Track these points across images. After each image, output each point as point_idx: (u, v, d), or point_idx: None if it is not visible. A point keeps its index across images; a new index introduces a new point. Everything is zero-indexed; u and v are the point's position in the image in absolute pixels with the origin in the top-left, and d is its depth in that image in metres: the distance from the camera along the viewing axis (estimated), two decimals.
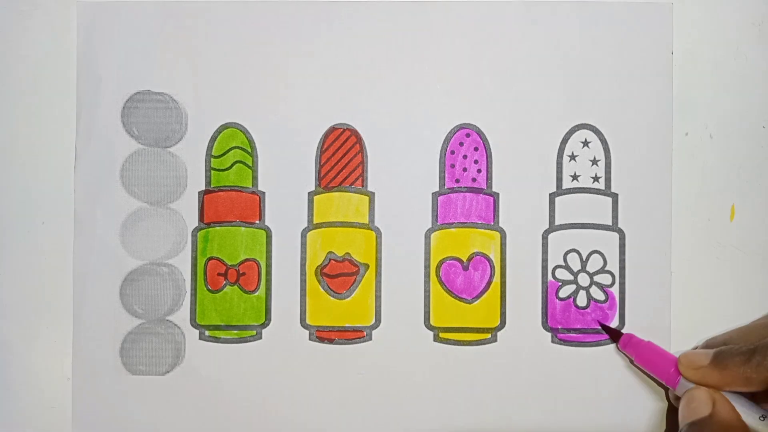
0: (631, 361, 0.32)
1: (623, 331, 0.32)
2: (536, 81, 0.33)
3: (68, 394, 0.33)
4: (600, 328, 0.32)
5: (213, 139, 0.33)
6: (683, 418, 0.28)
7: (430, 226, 0.33)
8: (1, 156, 0.33)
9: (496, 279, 0.33)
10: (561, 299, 0.33)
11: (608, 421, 0.32)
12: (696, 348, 0.31)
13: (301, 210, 0.33)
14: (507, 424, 0.32)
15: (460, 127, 0.33)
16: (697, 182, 0.33)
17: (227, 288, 0.33)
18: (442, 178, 0.33)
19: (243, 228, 0.33)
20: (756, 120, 0.33)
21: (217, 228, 0.33)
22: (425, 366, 0.32)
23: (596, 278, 0.33)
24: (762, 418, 0.27)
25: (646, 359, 0.31)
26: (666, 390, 0.32)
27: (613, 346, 0.32)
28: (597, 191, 0.33)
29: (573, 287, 0.33)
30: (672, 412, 0.32)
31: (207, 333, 0.33)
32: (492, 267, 0.33)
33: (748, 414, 0.27)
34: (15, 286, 0.33)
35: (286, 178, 0.33)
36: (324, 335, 0.33)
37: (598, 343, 0.32)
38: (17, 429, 0.33)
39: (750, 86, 0.33)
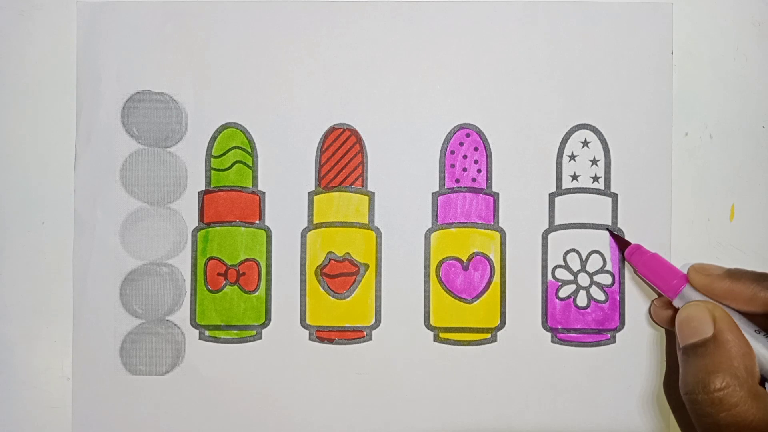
0: (635, 272, 0.32)
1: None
2: (536, 81, 0.33)
3: (68, 394, 0.33)
4: (599, 329, 0.32)
5: (213, 139, 0.33)
6: (683, 337, 0.28)
7: (430, 226, 0.33)
8: (1, 156, 0.33)
9: (496, 279, 0.33)
10: (561, 299, 0.33)
11: (608, 421, 0.32)
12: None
13: (301, 210, 0.33)
14: (507, 424, 0.32)
15: (460, 127, 0.33)
16: (697, 182, 0.33)
17: (227, 288, 0.33)
18: (442, 178, 0.33)
19: (243, 228, 0.33)
20: (756, 120, 0.33)
21: (217, 228, 0.33)
22: (425, 366, 0.32)
23: (596, 278, 0.33)
24: (757, 332, 0.28)
25: (649, 268, 0.31)
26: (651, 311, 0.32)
27: (613, 346, 0.32)
28: (597, 191, 0.33)
29: (573, 287, 0.33)
30: (671, 346, 0.32)
31: (207, 333, 0.33)
32: (492, 267, 0.33)
33: (743, 328, 0.28)
34: (15, 286, 0.33)
35: (286, 178, 0.33)
36: (324, 335, 0.33)
37: (598, 343, 0.32)
38: (17, 429, 0.33)
39: (750, 86, 0.33)
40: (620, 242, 0.32)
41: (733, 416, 0.26)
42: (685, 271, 0.30)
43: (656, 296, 0.32)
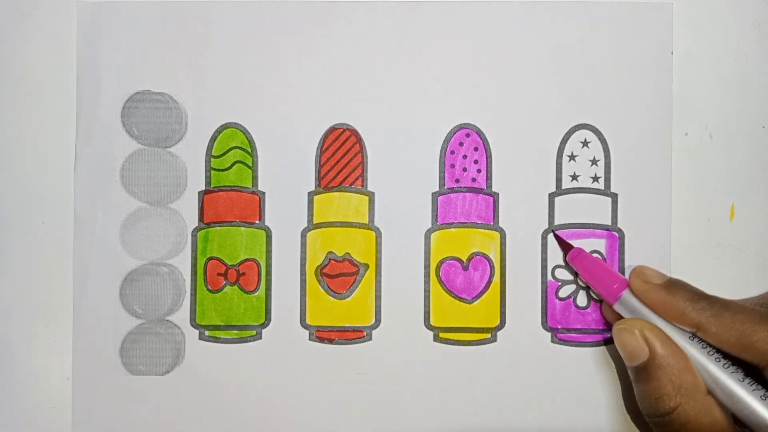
0: (578, 276, 0.32)
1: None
2: (536, 81, 0.33)
3: (68, 394, 0.33)
4: (599, 329, 0.32)
5: (213, 139, 0.33)
6: (625, 360, 0.29)
7: (430, 226, 0.33)
8: (1, 156, 0.33)
9: (496, 279, 0.33)
10: (561, 299, 0.33)
11: (607, 420, 0.32)
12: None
13: (301, 210, 0.33)
14: (507, 424, 0.32)
15: (460, 127, 0.33)
16: (697, 182, 0.33)
17: (227, 288, 0.33)
18: (441, 178, 0.33)
19: (243, 228, 0.33)
20: (756, 120, 0.33)
21: (217, 228, 0.33)
22: (425, 366, 0.32)
23: None
24: (691, 338, 0.28)
25: (590, 273, 0.31)
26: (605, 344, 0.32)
27: (612, 346, 0.32)
28: (597, 191, 0.33)
29: (573, 287, 0.33)
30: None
31: (207, 333, 0.33)
32: (492, 267, 0.33)
33: (678, 337, 0.28)
34: (15, 286, 0.33)
35: (286, 178, 0.33)
36: (324, 335, 0.33)
37: (598, 343, 0.32)
38: (17, 429, 0.33)
39: (750, 86, 0.33)
40: (563, 245, 0.32)
41: (689, 431, 0.26)
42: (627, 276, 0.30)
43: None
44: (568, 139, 0.33)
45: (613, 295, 0.30)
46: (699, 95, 0.33)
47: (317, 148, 0.33)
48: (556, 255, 0.33)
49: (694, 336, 0.28)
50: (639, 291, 0.29)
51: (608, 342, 0.32)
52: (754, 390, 0.26)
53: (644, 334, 0.28)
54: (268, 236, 0.33)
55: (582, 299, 0.32)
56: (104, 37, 0.33)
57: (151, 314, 0.33)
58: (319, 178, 0.33)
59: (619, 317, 0.30)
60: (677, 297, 0.28)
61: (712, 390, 0.27)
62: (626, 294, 0.29)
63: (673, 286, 0.28)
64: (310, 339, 0.33)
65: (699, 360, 0.27)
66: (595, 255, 0.32)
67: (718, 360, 0.27)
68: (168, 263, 0.33)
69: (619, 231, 0.32)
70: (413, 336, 0.32)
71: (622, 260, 0.32)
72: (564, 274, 0.33)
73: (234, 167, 0.33)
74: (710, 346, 0.27)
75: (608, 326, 0.32)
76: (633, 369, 0.28)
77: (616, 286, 0.30)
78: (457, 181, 0.33)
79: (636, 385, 0.28)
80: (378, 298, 0.33)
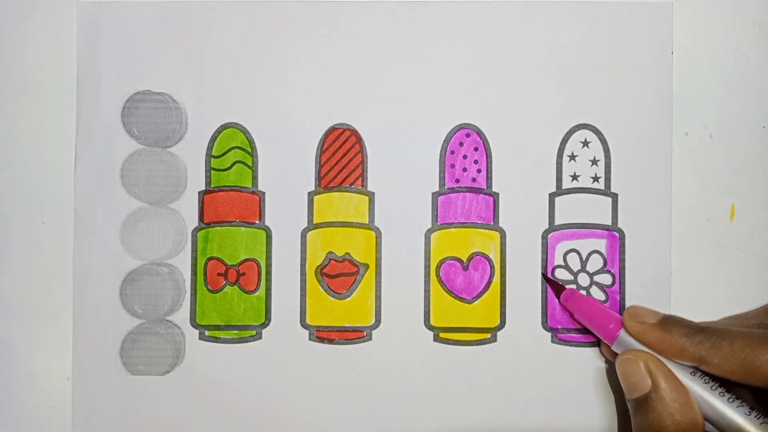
0: (572, 316, 0.32)
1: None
2: (536, 81, 0.33)
3: (68, 394, 0.33)
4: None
5: (213, 139, 0.33)
6: (626, 391, 0.28)
7: (430, 226, 0.33)
8: (1, 156, 0.33)
9: (496, 279, 0.33)
10: None
11: (608, 421, 0.32)
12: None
13: (301, 210, 0.33)
14: (507, 424, 0.32)
15: (460, 127, 0.33)
16: (697, 182, 0.33)
17: (227, 288, 0.33)
18: (442, 178, 0.33)
19: (243, 228, 0.33)
20: (756, 120, 0.33)
21: (217, 228, 0.33)
22: (425, 366, 0.32)
23: (596, 278, 0.33)
24: (693, 374, 0.27)
25: (585, 313, 0.31)
26: (600, 346, 0.32)
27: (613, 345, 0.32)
28: (597, 191, 0.33)
29: (573, 287, 0.32)
30: (612, 372, 0.32)
31: (207, 333, 0.33)
32: (492, 267, 0.33)
33: (680, 372, 0.27)
34: (15, 286, 0.33)
35: (286, 178, 0.33)
36: (324, 335, 0.33)
37: (598, 344, 0.32)
38: (17, 429, 0.33)
39: (750, 86, 0.33)
40: (555, 287, 0.32)
41: None
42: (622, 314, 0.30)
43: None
44: (569, 139, 0.33)
45: (609, 336, 0.30)
46: (699, 95, 0.33)
47: (317, 148, 0.33)
48: (556, 255, 0.33)
49: (695, 371, 0.27)
50: (635, 332, 0.29)
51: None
52: (762, 423, 0.26)
53: (648, 366, 0.27)
54: (268, 236, 0.33)
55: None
56: (104, 37, 0.33)
57: (151, 314, 0.33)
58: (319, 178, 0.33)
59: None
60: (674, 334, 0.28)
61: (717, 424, 0.27)
62: (623, 333, 0.29)
63: (668, 323, 0.28)
64: (310, 339, 0.33)
65: (702, 396, 0.27)
66: (593, 255, 0.32)
67: (722, 395, 0.27)
68: (168, 263, 0.33)
69: (620, 231, 0.32)
70: (413, 336, 0.32)
71: (622, 260, 0.32)
72: (564, 275, 0.33)
73: (234, 167, 0.33)
74: (713, 380, 0.27)
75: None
76: (633, 401, 0.28)
77: (612, 325, 0.29)
78: (457, 181, 0.33)
79: (635, 416, 0.28)
80: (378, 298, 0.33)
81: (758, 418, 0.26)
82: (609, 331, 0.30)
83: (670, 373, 0.27)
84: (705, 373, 0.27)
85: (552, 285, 0.32)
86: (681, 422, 0.27)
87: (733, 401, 0.27)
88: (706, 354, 0.27)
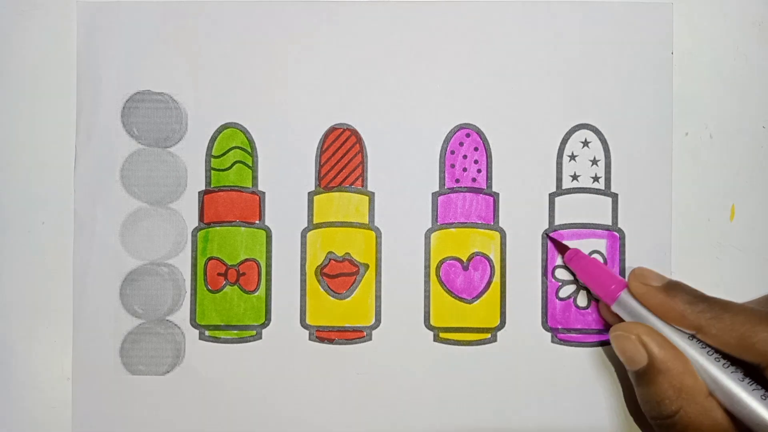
0: (575, 277, 0.32)
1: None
2: (536, 81, 0.33)
3: (68, 394, 0.33)
4: (599, 329, 0.32)
5: (213, 139, 0.33)
6: (625, 364, 0.29)
7: (430, 226, 0.33)
8: (1, 156, 0.33)
9: (496, 279, 0.33)
10: (561, 299, 0.33)
11: (608, 421, 0.32)
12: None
13: (301, 210, 0.33)
14: (507, 424, 0.32)
15: (460, 127, 0.33)
16: (697, 182, 0.33)
17: (227, 288, 0.33)
18: (442, 178, 0.33)
19: (243, 228, 0.33)
20: (756, 120, 0.33)
21: (217, 228, 0.33)
22: (425, 366, 0.32)
23: None
24: (691, 338, 0.28)
25: (588, 273, 0.31)
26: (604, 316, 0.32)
27: (611, 348, 0.32)
28: (597, 191, 0.33)
29: (573, 287, 0.33)
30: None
31: (207, 333, 0.33)
32: (492, 267, 0.33)
33: (677, 338, 0.28)
34: (15, 286, 0.33)
35: (286, 178, 0.33)
36: (324, 335, 0.33)
37: (598, 344, 0.32)
38: (17, 429, 0.33)
39: (750, 86, 0.33)
40: (559, 246, 0.32)
41: None
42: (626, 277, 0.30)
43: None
44: (569, 139, 0.33)
45: (610, 296, 0.30)
46: (699, 95, 0.33)
47: (317, 148, 0.33)
48: (556, 255, 0.33)
49: (693, 337, 0.28)
50: (638, 293, 0.29)
51: (608, 343, 0.32)
52: (753, 390, 0.26)
53: (642, 339, 0.28)
54: (268, 236, 0.33)
55: (582, 299, 0.32)
56: (104, 37, 0.33)
57: (151, 314, 0.33)
58: (319, 178, 0.33)
59: (617, 318, 0.30)
60: (676, 299, 0.28)
61: (712, 391, 0.27)
62: (624, 295, 0.29)
63: (673, 288, 0.28)
64: (310, 339, 0.33)
65: (699, 361, 0.27)
66: (594, 256, 0.32)
67: (717, 360, 0.27)
68: (168, 263, 0.33)
69: (620, 231, 0.32)
70: (413, 336, 0.32)
71: (622, 260, 0.32)
72: (564, 274, 0.33)
73: (234, 167, 0.33)
74: (710, 347, 0.27)
75: (607, 327, 0.32)
76: (633, 373, 0.28)
77: (614, 286, 0.30)
78: (457, 181, 0.33)
79: (637, 388, 0.28)
80: (378, 298, 0.33)
81: (751, 385, 0.26)
82: (610, 291, 0.30)
83: (666, 341, 0.28)
84: (701, 341, 0.27)
85: (556, 244, 0.32)
86: (682, 389, 0.27)
87: (728, 367, 0.27)
88: (705, 324, 0.27)
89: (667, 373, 0.27)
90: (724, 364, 0.27)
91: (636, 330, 0.28)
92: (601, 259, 0.32)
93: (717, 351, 0.27)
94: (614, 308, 0.30)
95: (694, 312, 0.27)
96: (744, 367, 0.27)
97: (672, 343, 0.28)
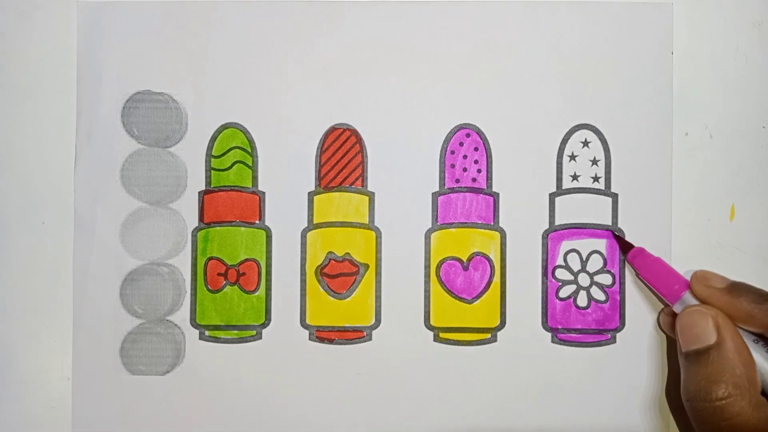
0: (637, 275, 0.32)
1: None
2: (536, 81, 0.33)
3: (68, 394, 0.33)
4: (599, 329, 0.32)
5: (213, 139, 0.33)
6: (685, 342, 0.28)
7: (430, 226, 0.33)
8: (1, 156, 0.33)
9: (496, 279, 0.33)
10: (561, 299, 0.33)
11: (608, 421, 0.32)
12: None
13: (301, 210, 0.33)
14: (507, 424, 0.32)
15: (460, 127, 0.33)
16: (697, 182, 0.33)
17: (227, 288, 0.33)
18: (442, 178, 0.33)
19: (243, 228, 0.33)
20: (756, 120, 0.33)
21: (217, 228, 0.33)
22: (425, 366, 0.32)
23: (596, 278, 0.33)
24: (756, 341, 0.28)
25: (651, 272, 0.31)
26: (659, 320, 0.32)
27: (613, 346, 0.32)
28: (597, 191, 0.33)
29: (573, 287, 0.33)
30: (672, 350, 0.32)
31: (207, 333, 0.33)
32: (492, 267, 0.33)
33: (743, 337, 0.28)
34: (15, 286, 0.33)
35: (286, 178, 0.33)
36: (324, 335, 0.33)
37: (598, 344, 0.32)
38: (17, 429, 0.33)
39: (750, 86, 0.33)
40: (623, 244, 0.32)
41: (733, 426, 0.26)
42: (688, 277, 0.30)
43: (659, 301, 0.32)
44: (569, 139, 0.33)
45: (674, 295, 0.30)
46: (699, 95, 0.33)
47: (317, 148, 0.33)
48: (556, 255, 0.33)
49: (758, 340, 0.28)
50: (702, 296, 0.29)
51: (608, 343, 0.32)
52: None
53: (717, 321, 0.28)
54: (268, 236, 0.33)
55: (582, 299, 0.32)
56: (104, 37, 0.33)
57: (151, 314, 0.33)
58: (319, 178, 0.33)
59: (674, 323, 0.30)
60: (742, 300, 0.28)
61: None
62: (687, 295, 0.29)
63: (737, 288, 0.28)
64: (310, 339, 0.33)
65: (762, 364, 0.27)
66: (593, 256, 0.32)
67: None
68: (168, 263, 0.33)
69: (620, 231, 0.32)
70: (413, 336, 0.32)
71: (622, 260, 0.32)
72: (564, 274, 0.33)
73: (234, 167, 0.33)
74: None
75: (607, 327, 0.32)
76: (692, 351, 0.28)
77: (677, 286, 0.30)
78: (458, 181, 0.33)
79: (691, 366, 0.28)
80: (378, 298, 0.33)
81: None
82: (674, 291, 0.30)
83: (738, 332, 0.27)
84: (766, 344, 0.28)
85: (620, 242, 0.32)
86: (741, 377, 0.26)
87: None
88: None
89: (731, 359, 0.27)
90: None
91: (714, 311, 0.28)
92: (601, 259, 0.32)
93: None
94: (676, 308, 0.30)
95: (762, 311, 0.27)
96: None
97: (742, 336, 0.28)
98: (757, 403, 0.26)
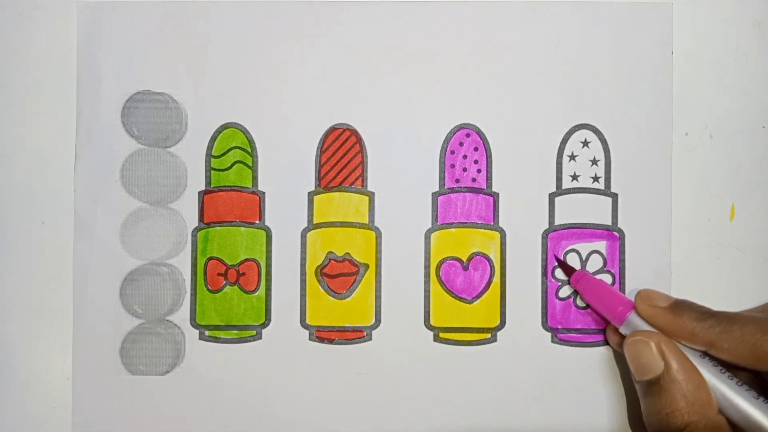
0: (581, 299, 0.32)
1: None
2: (536, 81, 0.33)
3: (68, 394, 0.33)
4: (599, 329, 0.32)
5: (213, 139, 0.33)
6: (636, 373, 0.28)
7: (430, 226, 0.33)
8: (1, 156, 0.33)
9: (496, 279, 0.33)
10: (561, 299, 0.33)
11: (608, 420, 0.32)
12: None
13: (301, 210, 0.33)
14: (507, 424, 0.32)
15: (460, 127, 0.33)
16: (697, 182, 0.33)
17: (227, 288, 0.33)
18: (442, 178, 0.33)
19: (243, 228, 0.33)
20: (756, 120, 0.33)
21: (217, 228, 0.33)
22: (425, 366, 0.32)
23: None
24: (702, 356, 0.27)
25: (595, 294, 0.31)
26: (605, 334, 0.32)
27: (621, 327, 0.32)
28: (597, 191, 0.33)
29: (573, 287, 0.32)
30: (619, 359, 0.32)
31: (207, 333, 0.33)
32: (492, 267, 0.33)
33: (688, 353, 0.27)
34: (15, 286, 0.33)
35: (286, 178, 0.33)
36: (324, 335, 0.33)
37: (598, 344, 0.32)
38: (17, 429, 0.33)
39: (750, 86, 0.33)
40: (566, 268, 0.32)
41: None
42: (632, 298, 0.30)
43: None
44: (569, 139, 0.33)
45: (618, 318, 0.30)
46: (699, 95, 0.33)
47: (317, 148, 0.33)
48: (556, 255, 0.33)
49: (704, 355, 0.28)
50: (646, 315, 0.29)
51: (608, 343, 0.32)
52: None
53: (660, 348, 0.27)
54: (268, 236, 0.33)
55: (582, 299, 0.32)
56: (104, 37, 0.33)
57: (151, 314, 0.33)
58: (319, 178, 0.33)
59: (622, 340, 0.30)
60: (685, 318, 0.28)
61: (724, 409, 0.27)
62: (632, 316, 0.29)
63: (680, 307, 0.28)
64: (310, 339, 0.33)
65: (710, 379, 0.27)
66: (593, 256, 0.32)
67: (730, 378, 0.27)
68: (168, 263, 0.33)
69: (620, 231, 0.32)
70: (413, 336, 0.32)
71: (622, 260, 0.32)
72: (564, 275, 0.33)
73: (234, 167, 0.33)
74: (721, 364, 0.27)
75: (606, 327, 0.32)
76: (644, 383, 0.28)
77: (621, 308, 0.30)
78: (457, 181, 0.33)
79: (645, 398, 0.28)
80: (378, 298, 0.33)
81: (766, 403, 0.26)
82: (618, 313, 0.30)
83: (683, 354, 0.27)
84: (714, 358, 0.27)
85: (563, 266, 0.32)
86: (695, 402, 0.26)
87: (741, 385, 0.27)
88: (716, 339, 0.27)
89: (681, 384, 0.27)
90: (737, 382, 0.27)
91: (655, 338, 0.28)
92: (601, 259, 0.32)
93: (729, 369, 0.27)
94: (622, 330, 0.30)
95: (704, 328, 0.27)
96: (760, 379, 0.27)
97: (687, 356, 0.27)
98: (716, 425, 0.26)
